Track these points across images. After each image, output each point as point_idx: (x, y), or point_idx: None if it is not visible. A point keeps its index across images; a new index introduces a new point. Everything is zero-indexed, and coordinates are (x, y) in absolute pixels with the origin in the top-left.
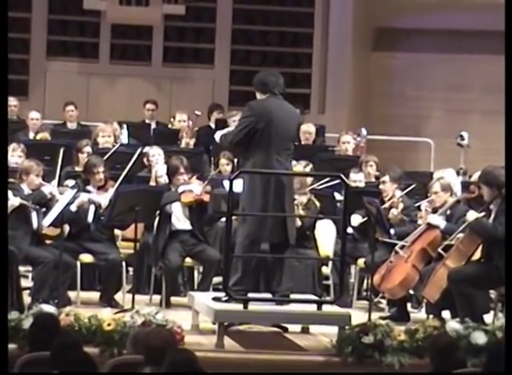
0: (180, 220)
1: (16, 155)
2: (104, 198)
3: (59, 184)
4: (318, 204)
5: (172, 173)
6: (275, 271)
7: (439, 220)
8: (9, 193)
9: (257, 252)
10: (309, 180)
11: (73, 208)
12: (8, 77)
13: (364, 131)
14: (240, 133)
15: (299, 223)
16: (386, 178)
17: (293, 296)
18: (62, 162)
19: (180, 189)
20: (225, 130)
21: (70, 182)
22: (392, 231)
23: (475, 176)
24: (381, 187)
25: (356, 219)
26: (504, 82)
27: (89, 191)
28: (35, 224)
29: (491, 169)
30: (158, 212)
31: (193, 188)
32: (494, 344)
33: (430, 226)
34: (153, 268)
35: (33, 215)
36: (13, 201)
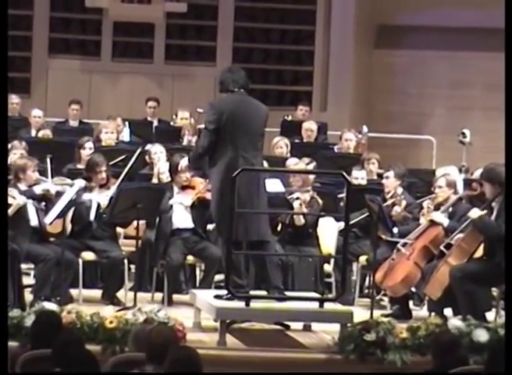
0: (182, 218)
1: (18, 153)
2: (103, 197)
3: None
4: (320, 201)
5: (174, 170)
6: (259, 270)
7: (443, 218)
8: (15, 192)
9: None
10: (311, 177)
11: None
12: (11, 75)
13: (365, 129)
14: (210, 136)
15: (302, 220)
16: (390, 173)
17: (295, 294)
18: (52, 171)
19: (170, 202)
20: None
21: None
22: (395, 230)
23: (477, 174)
24: (383, 181)
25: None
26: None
27: (91, 189)
28: (36, 221)
29: (493, 166)
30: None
31: (183, 200)
32: (496, 341)
33: (432, 224)
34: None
35: (32, 212)
36: (19, 200)
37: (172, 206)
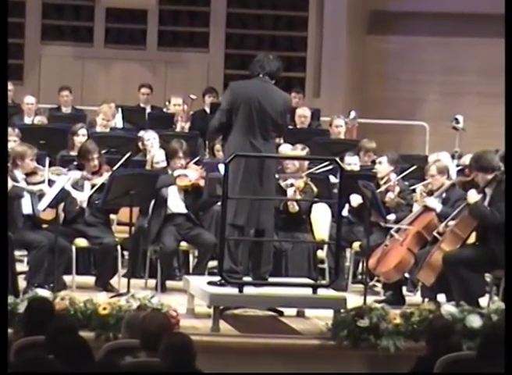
0: (175, 204)
1: (11, 140)
2: (82, 194)
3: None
4: (314, 188)
5: (170, 156)
6: (254, 254)
7: (436, 203)
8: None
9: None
10: (305, 163)
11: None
12: None
13: (353, 113)
14: (221, 115)
15: (296, 207)
16: (384, 159)
17: (288, 280)
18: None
19: (176, 173)
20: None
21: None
22: (392, 216)
23: (465, 159)
24: (376, 166)
25: (355, 200)
26: (504, 65)
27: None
28: (29, 209)
29: (480, 153)
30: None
31: (189, 173)
32: (489, 327)
33: (425, 210)
34: (148, 252)
35: (26, 199)
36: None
37: (176, 177)
